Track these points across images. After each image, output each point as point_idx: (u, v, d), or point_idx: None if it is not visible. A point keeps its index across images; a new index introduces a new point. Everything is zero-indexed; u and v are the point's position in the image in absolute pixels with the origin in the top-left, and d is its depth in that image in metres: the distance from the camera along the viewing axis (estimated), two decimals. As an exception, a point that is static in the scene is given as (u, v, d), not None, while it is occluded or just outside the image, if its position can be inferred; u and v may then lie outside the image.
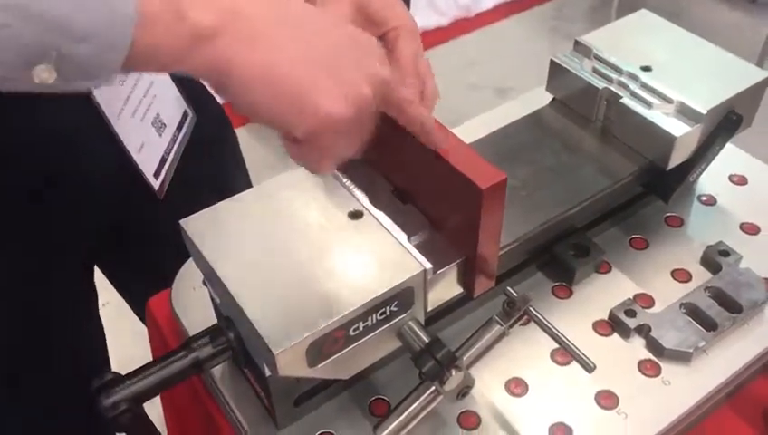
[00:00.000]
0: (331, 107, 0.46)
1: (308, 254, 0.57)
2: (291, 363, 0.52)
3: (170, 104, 0.83)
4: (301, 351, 0.52)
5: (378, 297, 0.54)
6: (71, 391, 0.74)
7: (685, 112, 0.71)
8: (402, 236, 0.58)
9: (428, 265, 0.56)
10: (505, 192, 0.54)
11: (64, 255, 0.81)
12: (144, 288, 0.87)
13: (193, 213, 0.63)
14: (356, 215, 0.60)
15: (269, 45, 0.45)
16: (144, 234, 0.90)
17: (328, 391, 0.64)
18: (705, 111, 0.70)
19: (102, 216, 0.82)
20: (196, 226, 0.59)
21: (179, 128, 0.85)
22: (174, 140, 0.84)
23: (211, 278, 0.58)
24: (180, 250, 0.77)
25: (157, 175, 0.80)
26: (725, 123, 0.73)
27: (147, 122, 0.79)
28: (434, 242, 0.59)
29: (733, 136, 0.75)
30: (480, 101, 2.52)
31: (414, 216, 0.61)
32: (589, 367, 0.57)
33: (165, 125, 0.82)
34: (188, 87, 0.86)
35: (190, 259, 0.77)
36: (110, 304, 1.06)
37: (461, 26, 2.90)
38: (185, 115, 0.86)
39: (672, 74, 0.74)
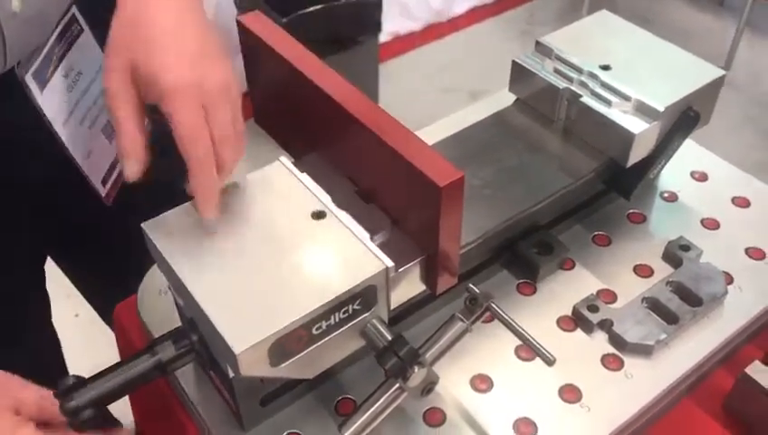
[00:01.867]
0: None
1: (270, 254, 0.57)
2: (253, 363, 0.52)
3: None
4: (263, 350, 0.52)
5: (340, 296, 0.54)
6: None
7: (643, 110, 0.73)
8: (365, 235, 0.59)
9: (390, 263, 0.57)
10: (463, 190, 0.55)
11: (12, 258, 0.81)
12: (110, 296, 0.86)
13: (150, 217, 0.63)
14: (319, 215, 0.60)
15: None
16: (102, 240, 0.89)
17: (294, 391, 0.64)
18: (662, 109, 0.71)
19: (62, 217, 0.82)
20: (158, 229, 0.59)
21: None
22: None
23: (173, 280, 0.58)
24: (141, 255, 0.77)
25: (105, 182, 0.80)
26: (683, 120, 0.74)
27: (96, 129, 0.78)
28: (396, 241, 0.60)
29: (691, 133, 0.76)
30: (453, 104, 2.53)
31: (376, 215, 0.61)
32: (549, 360, 0.58)
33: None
34: None
35: (151, 268, 0.76)
36: (81, 316, 1.06)
37: (434, 31, 2.91)
38: None
39: (631, 73, 0.75)
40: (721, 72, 0.76)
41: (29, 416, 0.54)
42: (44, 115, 0.70)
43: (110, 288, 0.87)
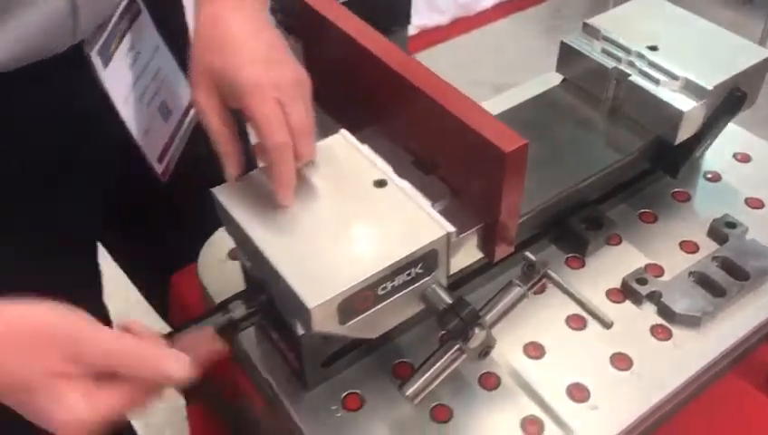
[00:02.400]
0: None
1: (337, 219, 0.59)
2: (324, 320, 0.55)
3: (177, 92, 0.85)
4: (333, 307, 0.54)
5: (404, 258, 0.56)
6: None
7: (691, 89, 0.74)
8: (426, 203, 0.61)
9: (452, 229, 0.59)
10: (527, 157, 0.57)
11: (72, 236, 0.83)
12: (156, 271, 0.89)
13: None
14: (381, 184, 0.62)
15: None
16: (151, 216, 0.92)
17: (353, 354, 0.67)
18: (710, 88, 0.73)
19: (110, 198, 0.84)
20: (228, 193, 0.62)
21: (185, 114, 0.87)
22: (179, 126, 0.86)
23: (243, 242, 0.61)
24: (188, 231, 0.79)
25: (161, 159, 0.83)
26: (730, 100, 0.76)
27: (153, 108, 0.81)
28: (455, 209, 0.62)
29: (737, 113, 0.78)
30: (481, 97, 2.54)
31: (435, 185, 0.64)
32: (606, 324, 0.60)
33: (171, 111, 0.84)
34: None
35: (213, 235, 0.79)
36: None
37: (461, 25, 2.93)
38: (191, 103, 0.88)
39: (678, 53, 0.77)
40: (766, 53, 0.78)
41: (90, 367, 0.49)
42: (106, 90, 0.73)
43: (157, 263, 0.90)
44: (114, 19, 0.72)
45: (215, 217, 0.76)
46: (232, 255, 0.77)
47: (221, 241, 0.78)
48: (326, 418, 0.64)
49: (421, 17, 2.75)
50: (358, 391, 0.65)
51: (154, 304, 1.07)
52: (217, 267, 0.76)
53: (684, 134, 0.75)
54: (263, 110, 0.58)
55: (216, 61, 0.60)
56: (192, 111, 0.87)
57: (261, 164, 0.63)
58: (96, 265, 0.94)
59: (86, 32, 0.69)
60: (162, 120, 0.83)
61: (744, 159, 0.87)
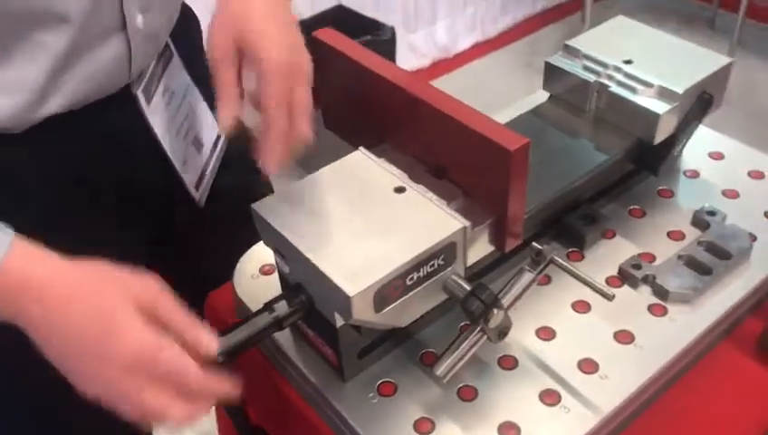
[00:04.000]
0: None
1: (365, 221, 0.67)
2: (362, 307, 0.62)
3: (206, 127, 0.94)
4: (369, 296, 0.62)
5: (428, 250, 0.64)
6: None
7: (664, 94, 0.83)
8: (442, 203, 0.69)
9: (467, 223, 0.67)
10: (529, 155, 0.65)
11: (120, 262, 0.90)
12: (192, 291, 0.95)
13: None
14: (400, 190, 0.71)
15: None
16: (189, 239, 0.99)
17: (384, 346, 0.74)
18: (681, 91, 0.82)
19: (149, 226, 0.91)
20: (265, 207, 0.70)
21: (214, 147, 0.96)
22: (211, 156, 0.95)
23: (282, 248, 0.68)
24: (222, 252, 0.86)
25: (197, 187, 0.91)
26: (699, 102, 0.85)
27: (188, 141, 0.90)
28: (468, 207, 0.70)
29: (707, 114, 0.87)
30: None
31: (449, 187, 0.72)
32: (608, 296, 0.67)
33: (202, 144, 0.93)
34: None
35: (245, 253, 0.86)
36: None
37: (441, 67, 3.06)
38: (218, 137, 0.97)
39: (650, 64, 0.87)
40: (729, 60, 0.87)
41: (161, 321, 0.58)
42: (152, 127, 0.81)
43: (192, 284, 0.96)
44: (153, 63, 0.81)
45: (244, 239, 0.84)
46: (263, 270, 0.84)
47: (253, 258, 0.85)
48: (364, 404, 0.70)
49: (404, 61, 2.88)
50: (391, 379, 0.72)
51: None
52: (251, 282, 0.83)
53: (661, 135, 0.84)
54: (275, 87, 0.66)
55: (242, 33, 0.67)
56: (220, 143, 0.96)
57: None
58: None
59: (135, 74, 0.77)
60: (196, 152, 0.91)
61: (718, 156, 0.96)
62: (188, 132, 0.89)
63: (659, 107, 0.82)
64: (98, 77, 0.72)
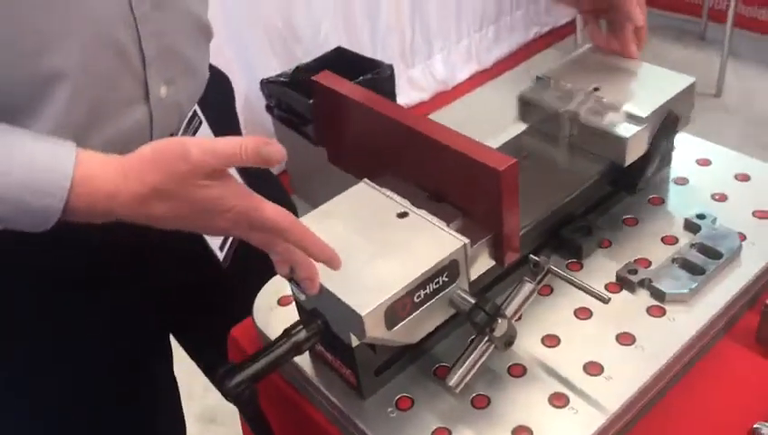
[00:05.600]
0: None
1: (372, 246, 0.72)
2: (374, 326, 0.66)
3: None
4: (380, 314, 0.66)
5: (433, 267, 0.69)
6: None
7: (631, 118, 0.86)
8: (443, 224, 0.74)
9: (467, 241, 0.72)
10: (518, 173, 0.70)
11: (145, 322, 0.95)
12: (211, 346, 0.99)
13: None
14: (403, 215, 0.76)
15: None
16: (214, 299, 1.04)
17: (399, 363, 0.78)
18: (645, 115, 0.86)
19: (176, 286, 0.96)
20: (279, 240, 0.75)
21: None
22: None
23: (298, 278, 0.73)
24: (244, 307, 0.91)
25: (222, 248, 0.96)
26: (666, 123, 0.88)
27: None
28: (467, 227, 0.75)
29: (676, 133, 0.91)
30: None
31: (448, 210, 0.77)
32: (603, 299, 0.72)
33: None
34: (249, 171, 1.02)
35: (263, 287, 0.92)
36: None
37: (441, 99, 3.14)
38: None
39: (617, 91, 0.89)
40: (691, 80, 0.90)
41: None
42: None
43: (212, 340, 1.01)
44: (180, 131, 0.86)
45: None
46: (281, 302, 0.89)
47: (271, 291, 0.90)
48: (384, 419, 0.74)
49: (404, 96, 2.96)
50: (408, 393, 0.77)
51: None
52: (270, 313, 0.88)
53: (631, 157, 0.87)
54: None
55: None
56: None
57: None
58: (168, 340, 1.05)
59: (159, 138, 0.83)
60: None
61: (705, 163, 1.01)
62: None
63: (627, 130, 0.85)
64: (118, 144, 0.76)
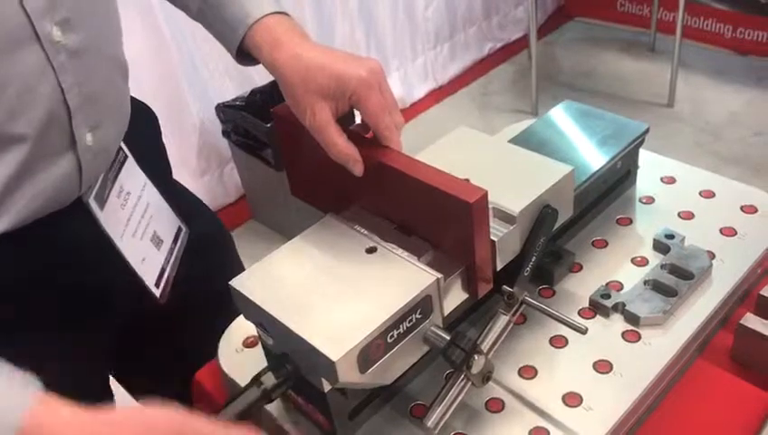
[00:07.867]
0: None
1: (341, 285, 0.69)
2: (346, 370, 0.64)
3: (165, 222, 0.96)
4: (353, 358, 0.64)
5: (405, 305, 0.66)
6: None
7: (501, 216, 0.75)
8: (413, 258, 0.72)
9: (440, 275, 0.69)
10: (487, 204, 0.68)
11: (84, 361, 0.91)
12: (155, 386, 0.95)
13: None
14: (371, 250, 0.73)
15: None
16: (155, 337, 1.00)
17: (373, 405, 0.75)
18: (517, 212, 0.74)
19: (113, 325, 0.92)
20: (243, 282, 0.71)
21: (175, 241, 0.97)
22: (171, 252, 0.96)
23: (264, 321, 0.70)
24: (189, 344, 0.86)
25: (157, 284, 0.92)
26: (543, 217, 0.77)
27: (146, 239, 0.91)
28: (438, 260, 0.73)
29: (554, 227, 0.78)
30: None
31: (418, 243, 0.74)
32: (581, 329, 0.70)
33: (162, 240, 0.94)
34: (181, 204, 0.99)
35: (227, 330, 0.88)
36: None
37: (399, 117, 3.12)
38: (179, 230, 0.98)
39: (488, 182, 0.70)
40: (569, 169, 0.78)
41: None
42: (105, 231, 0.83)
43: (177, 368, 0.97)
44: (105, 169, 0.83)
45: (222, 319, 0.85)
46: (247, 343, 0.85)
47: (235, 333, 0.86)
48: (360, 464, 0.71)
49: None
50: (383, 435, 0.74)
51: None
52: (236, 356, 0.84)
53: (503, 260, 0.75)
54: (372, 99, 0.73)
55: (318, 79, 0.72)
56: (181, 237, 0.97)
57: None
58: (107, 386, 1.01)
59: (88, 184, 0.79)
60: (156, 249, 0.93)
61: (670, 180, 1.01)
62: (146, 230, 0.90)
63: (495, 232, 0.73)
64: (47, 194, 0.74)
